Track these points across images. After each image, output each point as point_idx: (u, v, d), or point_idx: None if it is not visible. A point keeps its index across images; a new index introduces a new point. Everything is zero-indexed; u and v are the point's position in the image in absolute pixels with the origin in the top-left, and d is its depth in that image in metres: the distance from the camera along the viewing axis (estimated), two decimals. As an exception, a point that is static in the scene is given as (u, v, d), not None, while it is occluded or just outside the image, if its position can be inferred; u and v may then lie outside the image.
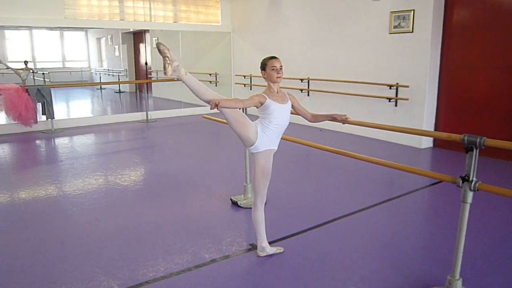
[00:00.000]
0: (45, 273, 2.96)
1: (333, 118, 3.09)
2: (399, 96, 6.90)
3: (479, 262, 3.07)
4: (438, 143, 6.81)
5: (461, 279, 2.48)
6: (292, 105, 3.05)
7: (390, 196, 4.55)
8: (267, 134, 2.91)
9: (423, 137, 6.69)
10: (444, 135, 2.46)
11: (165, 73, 2.73)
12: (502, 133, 5.77)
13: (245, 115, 2.96)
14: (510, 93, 5.85)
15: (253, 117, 2.99)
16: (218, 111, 2.76)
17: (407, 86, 6.71)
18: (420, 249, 3.40)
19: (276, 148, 3.03)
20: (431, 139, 6.85)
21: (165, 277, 2.89)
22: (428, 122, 6.71)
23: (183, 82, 2.85)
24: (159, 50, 2.71)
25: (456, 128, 6.43)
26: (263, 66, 2.93)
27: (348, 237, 3.55)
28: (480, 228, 3.62)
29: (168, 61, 2.72)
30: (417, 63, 6.58)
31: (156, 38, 13.25)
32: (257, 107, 2.94)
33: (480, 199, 3.35)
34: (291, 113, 3.06)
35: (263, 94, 2.91)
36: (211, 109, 2.71)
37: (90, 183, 5.03)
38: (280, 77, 2.91)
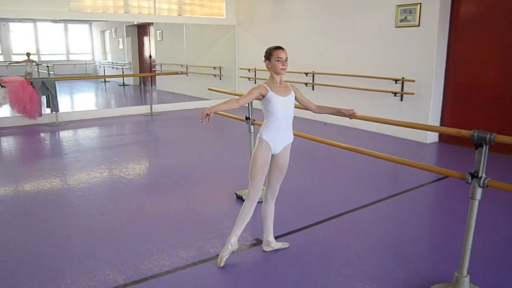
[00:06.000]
0: (51, 266, 2.97)
1: (339, 112, 3.04)
2: (404, 90, 6.85)
3: (487, 259, 3.04)
4: (443, 138, 6.76)
5: (468, 276, 2.46)
6: (295, 96, 2.98)
7: (395, 191, 4.52)
8: (277, 133, 2.87)
9: (428, 132, 6.65)
10: (453, 131, 2.42)
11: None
12: (510, 128, 5.71)
13: (255, 159, 2.91)
14: (517, 88, 5.80)
15: (258, 112, 2.97)
16: (209, 121, 2.68)
17: (413, 81, 6.66)
18: (427, 245, 3.37)
19: (291, 140, 2.99)
20: (436, 133, 6.80)
21: (170, 271, 2.89)
22: (434, 116, 6.66)
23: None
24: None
25: (462, 123, 6.38)
26: (268, 56, 2.85)
27: (354, 232, 3.53)
28: (488, 225, 3.58)
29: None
30: (423, 57, 6.52)
31: (161, 31, 13.23)
32: (259, 100, 2.89)
33: (489, 195, 3.32)
34: (295, 106, 3.02)
35: (265, 85, 2.84)
36: (201, 120, 2.62)
37: (95, 176, 5.03)
38: (284, 69, 2.83)
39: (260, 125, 4.10)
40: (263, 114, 2.94)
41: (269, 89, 2.81)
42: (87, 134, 7.66)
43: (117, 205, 4.18)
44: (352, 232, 3.54)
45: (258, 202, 4.03)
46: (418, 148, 6.41)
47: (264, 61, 2.87)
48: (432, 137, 6.74)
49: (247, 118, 4.16)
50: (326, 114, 3.29)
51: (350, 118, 3.02)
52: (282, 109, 2.85)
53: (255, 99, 2.85)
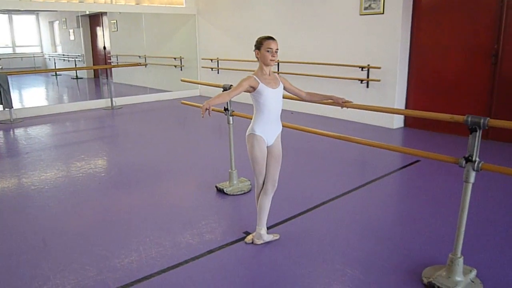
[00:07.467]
0: (31, 274, 2.77)
1: (330, 100, 3.04)
2: (370, 77, 6.97)
3: (477, 240, 3.13)
4: (409, 123, 6.97)
5: (462, 257, 2.53)
6: (284, 86, 2.96)
7: (373, 177, 4.59)
8: (269, 126, 2.87)
9: (394, 117, 6.83)
10: (447, 116, 2.46)
11: None
12: (471, 112, 5.95)
13: (256, 157, 2.91)
14: (478, 72, 6.04)
15: (245, 106, 2.90)
16: (210, 116, 2.62)
17: (379, 68, 6.79)
18: (412, 228, 3.42)
19: (281, 129, 3.00)
20: (402, 119, 7.00)
21: (163, 271, 2.78)
22: (399, 102, 6.84)
23: None
24: None
25: (425, 107, 6.59)
26: (258, 45, 2.79)
27: (340, 220, 3.56)
28: (478, 207, 3.63)
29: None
30: (388, 44, 6.66)
31: (115, 21, 12.71)
32: (249, 92, 2.83)
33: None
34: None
35: (254, 76, 2.79)
36: (203, 115, 2.54)
37: (62, 175, 4.78)
38: (274, 60, 2.79)
39: (239, 116, 4.07)
40: (253, 107, 2.88)
41: (259, 81, 2.76)
42: (46, 131, 7.25)
43: (92, 204, 3.98)
44: (338, 219, 3.56)
45: (234, 195, 4.02)
46: (386, 134, 6.56)
47: (254, 51, 2.81)
48: (398, 122, 6.93)
49: (226, 110, 4.07)
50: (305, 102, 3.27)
51: (342, 108, 3.01)
52: (273, 101, 2.82)
53: (245, 91, 2.78)
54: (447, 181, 4.45)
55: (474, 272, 2.62)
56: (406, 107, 6.94)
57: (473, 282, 2.56)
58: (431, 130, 6.53)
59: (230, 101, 4.00)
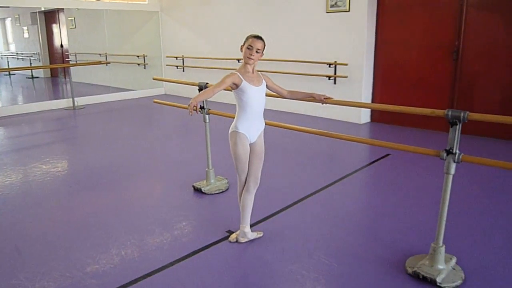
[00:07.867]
0: (8, 285, 2.63)
1: (311, 97, 3.07)
2: (338, 73, 7.09)
3: (454, 229, 3.25)
4: (374, 118, 7.16)
5: (444, 246, 2.63)
6: (266, 84, 2.96)
7: (347, 171, 4.67)
8: (252, 123, 2.86)
9: (362, 112, 6.99)
10: (427, 111, 2.55)
11: None
12: (433, 106, 6.18)
13: (238, 155, 2.89)
14: (440, 68, 6.28)
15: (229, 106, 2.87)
16: (198, 112, 2.58)
17: (346, 64, 6.92)
18: (393, 220, 3.49)
19: (264, 127, 2.99)
20: (368, 114, 7.17)
21: (148, 274, 2.71)
22: (365, 97, 7.00)
23: None
24: None
25: (391, 103, 6.77)
26: (244, 41, 2.79)
27: (321, 215, 3.60)
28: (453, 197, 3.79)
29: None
30: (354, 41, 6.79)
31: (73, 18, 12.27)
32: (232, 89, 2.81)
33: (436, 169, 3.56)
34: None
35: (237, 73, 2.77)
36: (191, 113, 2.51)
37: (30, 179, 4.56)
38: (251, 58, 2.77)
39: (216, 115, 4.04)
40: (236, 104, 2.87)
41: (242, 79, 2.74)
42: (6, 134, 6.90)
43: (65, 209, 3.83)
44: (319, 214, 3.61)
45: (212, 194, 3.99)
46: (355, 128, 6.70)
47: (240, 46, 2.81)
48: (365, 117, 7.10)
49: (202, 108, 4.02)
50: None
51: (323, 104, 3.05)
52: (256, 99, 2.81)
53: (227, 88, 2.76)
54: (419, 173, 4.60)
55: (454, 260, 2.72)
56: (373, 102, 7.13)
57: (454, 269, 2.66)
58: (396, 124, 6.75)
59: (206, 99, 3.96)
